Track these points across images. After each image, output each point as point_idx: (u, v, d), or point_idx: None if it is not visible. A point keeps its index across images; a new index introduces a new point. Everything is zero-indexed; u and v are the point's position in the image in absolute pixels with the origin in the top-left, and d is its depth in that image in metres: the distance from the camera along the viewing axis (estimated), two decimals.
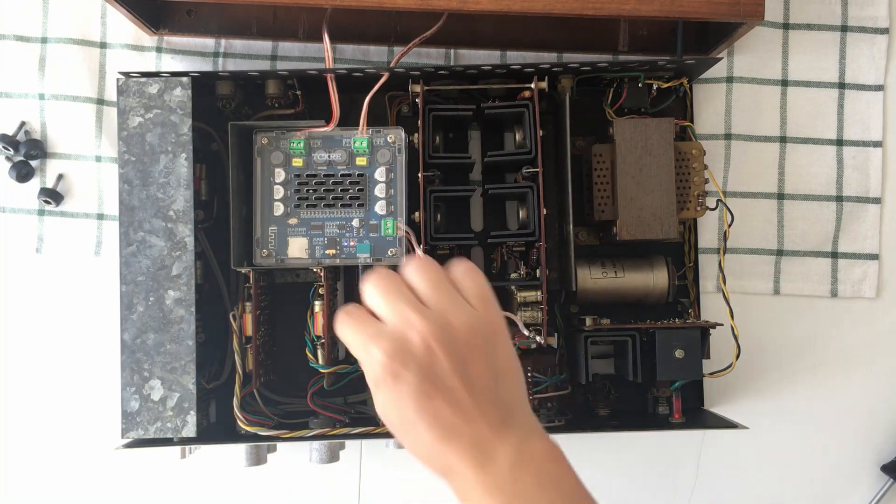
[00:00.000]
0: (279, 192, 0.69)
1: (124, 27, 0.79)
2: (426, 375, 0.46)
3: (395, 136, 0.69)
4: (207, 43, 0.80)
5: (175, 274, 0.67)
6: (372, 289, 0.49)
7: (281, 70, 0.70)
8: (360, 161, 0.69)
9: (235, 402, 0.68)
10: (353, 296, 0.75)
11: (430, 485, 0.80)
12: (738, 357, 0.72)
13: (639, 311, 0.77)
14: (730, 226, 0.77)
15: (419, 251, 0.67)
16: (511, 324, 0.72)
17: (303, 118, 0.74)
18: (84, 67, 0.79)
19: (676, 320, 0.73)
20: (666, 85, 0.74)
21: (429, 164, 0.70)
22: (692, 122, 0.78)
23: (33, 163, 0.79)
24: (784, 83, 0.81)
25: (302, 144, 0.69)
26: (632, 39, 0.79)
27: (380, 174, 0.69)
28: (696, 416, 0.76)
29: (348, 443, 0.77)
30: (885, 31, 0.81)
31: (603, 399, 0.76)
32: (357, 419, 0.72)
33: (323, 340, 0.68)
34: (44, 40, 0.79)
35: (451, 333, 0.47)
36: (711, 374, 0.73)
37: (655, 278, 0.74)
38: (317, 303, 0.69)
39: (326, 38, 0.70)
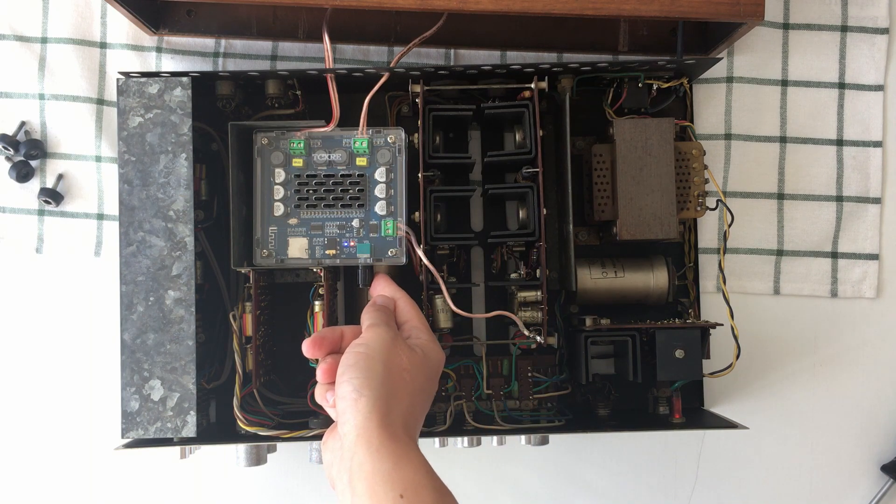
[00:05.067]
0: (279, 192, 0.69)
1: (124, 27, 0.79)
2: None
3: (395, 136, 0.69)
4: (207, 43, 0.80)
5: (175, 274, 0.67)
6: None
7: (281, 70, 0.70)
8: (360, 161, 0.69)
9: (235, 402, 0.68)
10: (353, 296, 0.75)
11: None
12: (738, 357, 0.72)
13: (639, 311, 0.77)
14: (730, 226, 0.77)
15: (419, 251, 0.67)
16: (511, 324, 0.72)
17: (303, 118, 0.74)
18: (84, 67, 0.79)
19: (676, 320, 0.73)
20: (666, 85, 0.74)
21: (429, 164, 0.70)
22: (692, 122, 0.78)
23: (33, 163, 0.79)
24: (784, 83, 0.81)
25: (302, 145, 0.69)
26: (632, 39, 0.79)
27: (380, 174, 0.69)
28: (696, 416, 0.76)
29: None
30: (885, 31, 0.81)
31: (603, 399, 0.76)
32: None
33: None
34: (44, 40, 0.79)
35: None
36: (711, 374, 0.73)
37: (655, 278, 0.74)
38: (317, 303, 0.69)
39: (326, 38, 0.70)
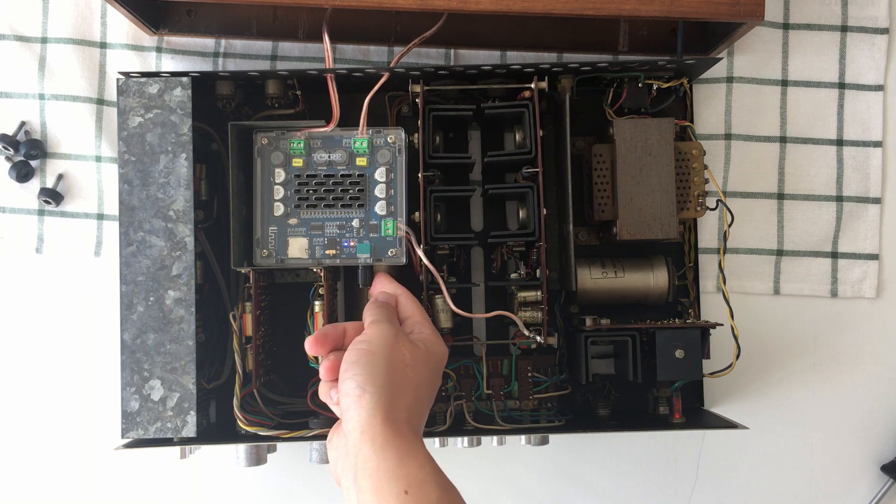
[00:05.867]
0: (279, 192, 0.69)
1: (124, 27, 0.79)
2: None
3: (395, 136, 0.69)
4: (207, 43, 0.80)
5: (175, 274, 0.67)
6: None
7: (281, 70, 0.70)
8: (360, 161, 0.69)
9: (235, 402, 0.68)
10: (354, 296, 0.75)
11: None
12: (738, 357, 0.72)
13: (639, 311, 0.77)
14: (730, 226, 0.77)
15: (419, 251, 0.67)
16: (511, 324, 0.72)
17: (303, 118, 0.74)
18: (84, 67, 0.79)
19: (676, 320, 0.73)
20: (666, 85, 0.74)
21: (429, 164, 0.70)
22: (692, 122, 0.78)
23: (33, 163, 0.79)
24: (784, 83, 0.81)
25: (302, 145, 0.69)
26: (632, 39, 0.79)
27: (380, 174, 0.69)
28: (696, 416, 0.76)
29: None
30: (885, 31, 0.81)
31: (603, 399, 0.76)
32: None
33: None
34: (44, 40, 0.79)
35: None
36: (711, 374, 0.73)
37: (655, 278, 0.74)
38: (317, 303, 0.69)
39: (326, 38, 0.70)
